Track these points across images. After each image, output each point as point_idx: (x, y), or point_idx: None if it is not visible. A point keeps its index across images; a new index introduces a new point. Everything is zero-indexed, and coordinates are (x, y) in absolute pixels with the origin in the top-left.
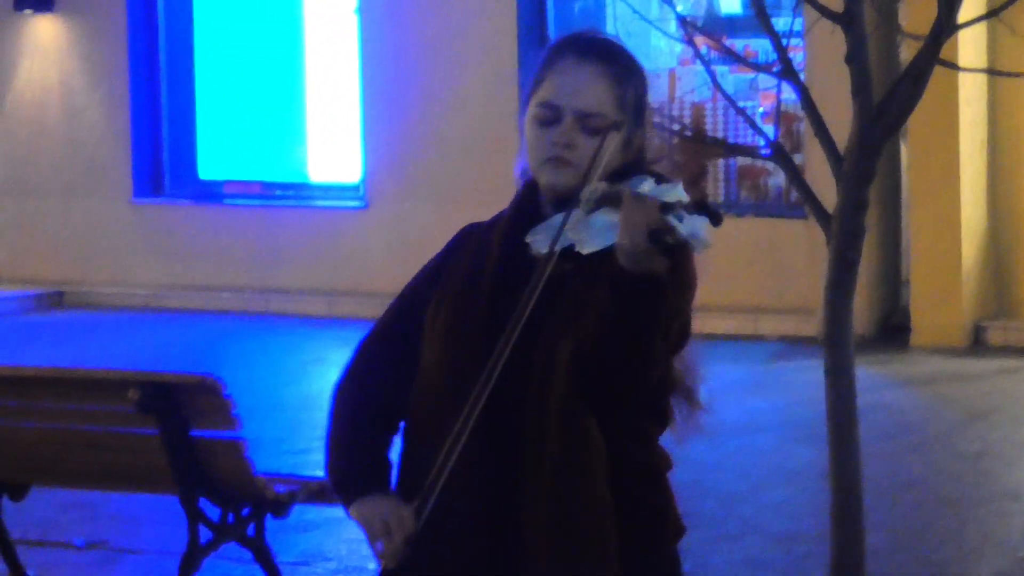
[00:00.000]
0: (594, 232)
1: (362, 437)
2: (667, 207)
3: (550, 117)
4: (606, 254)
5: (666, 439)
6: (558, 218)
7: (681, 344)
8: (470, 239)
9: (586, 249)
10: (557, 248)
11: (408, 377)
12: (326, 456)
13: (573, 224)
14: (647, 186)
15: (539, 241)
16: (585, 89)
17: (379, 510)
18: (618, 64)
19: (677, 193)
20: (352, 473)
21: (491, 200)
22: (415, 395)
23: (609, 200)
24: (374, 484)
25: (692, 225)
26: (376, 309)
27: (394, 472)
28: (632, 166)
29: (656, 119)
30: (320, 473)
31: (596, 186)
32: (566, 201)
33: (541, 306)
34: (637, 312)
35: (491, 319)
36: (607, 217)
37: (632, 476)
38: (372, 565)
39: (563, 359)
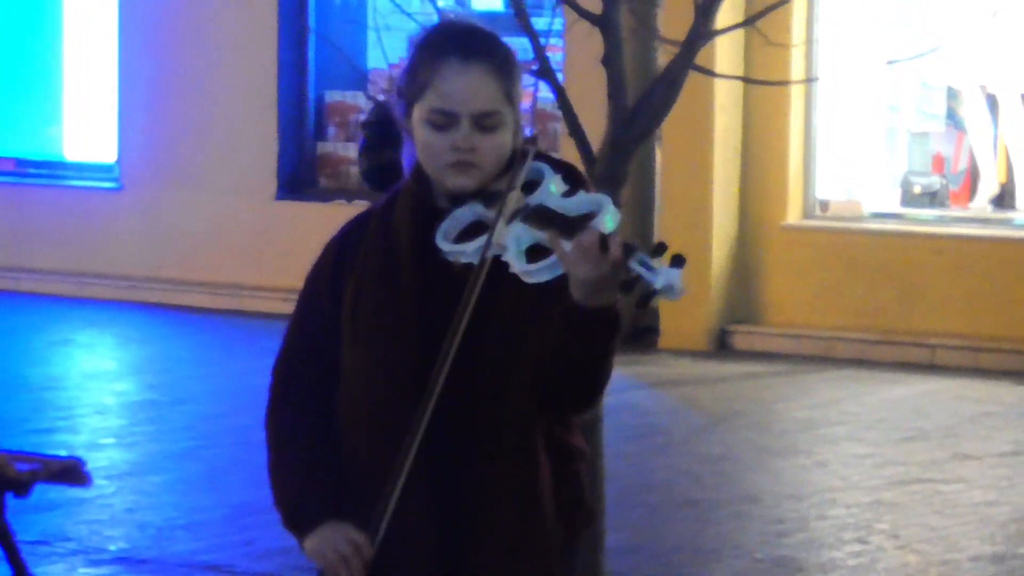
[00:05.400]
0: (516, 245)
1: (305, 465)
2: (628, 250)
3: (446, 123)
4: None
5: None
6: (463, 213)
7: None
8: (365, 234)
9: (532, 279)
10: (488, 256)
11: (334, 388)
12: (273, 491)
13: (498, 234)
14: (555, 184)
15: (454, 251)
16: (478, 91)
17: (333, 542)
18: (500, 57)
19: (609, 209)
20: (300, 507)
21: (245, 189)
22: (343, 405)
23: (537, 220)
24: (324, 514)
25: (668, 276)
26: (125, 292)
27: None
28: (516, 152)
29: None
30: (64, 452)
31: (513, 197)
32: (461, 196)
33: (477, 311)
34: (595, 342)
35: (417, 319)
36: (529, 231)
37: (564, 461)
38: (113, 547)
39: (517, 373)
